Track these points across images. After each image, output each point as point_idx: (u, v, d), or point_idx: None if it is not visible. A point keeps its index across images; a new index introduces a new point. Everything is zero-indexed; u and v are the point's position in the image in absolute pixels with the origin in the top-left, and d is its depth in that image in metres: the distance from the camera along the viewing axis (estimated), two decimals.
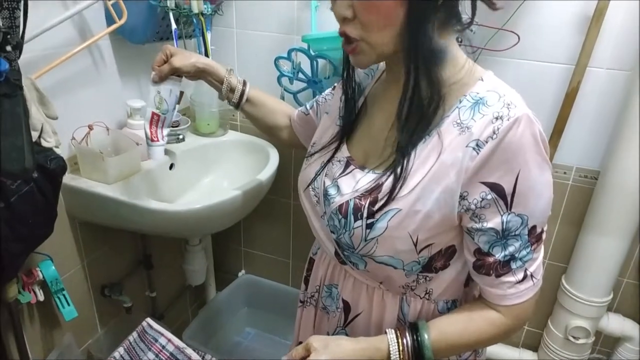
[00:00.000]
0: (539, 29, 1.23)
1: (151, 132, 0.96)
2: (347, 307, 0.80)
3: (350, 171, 0.73)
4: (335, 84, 0.91)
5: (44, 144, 0.94)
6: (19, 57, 0.73)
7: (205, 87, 1.48)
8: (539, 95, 1.30)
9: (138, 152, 1.24)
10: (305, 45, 1.32)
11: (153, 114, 0.94)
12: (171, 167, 1.39)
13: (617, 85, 1.23)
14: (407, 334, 0.68)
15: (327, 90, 0.95)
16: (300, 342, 0.92)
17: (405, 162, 0.64)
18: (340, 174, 0.74)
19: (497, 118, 0.59)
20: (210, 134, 1.54)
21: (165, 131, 0.97)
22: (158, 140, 0.97)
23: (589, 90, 1.26)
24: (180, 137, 1.42)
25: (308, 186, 0.79)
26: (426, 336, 0.67)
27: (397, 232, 0.65)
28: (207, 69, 0.94)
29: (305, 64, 1.36)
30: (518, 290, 0.65)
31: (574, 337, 1.41)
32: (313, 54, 1.32)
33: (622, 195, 1.24)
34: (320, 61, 1.34)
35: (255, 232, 1.87)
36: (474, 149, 0.60)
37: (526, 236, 0.63)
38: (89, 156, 1.16)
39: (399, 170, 0.64)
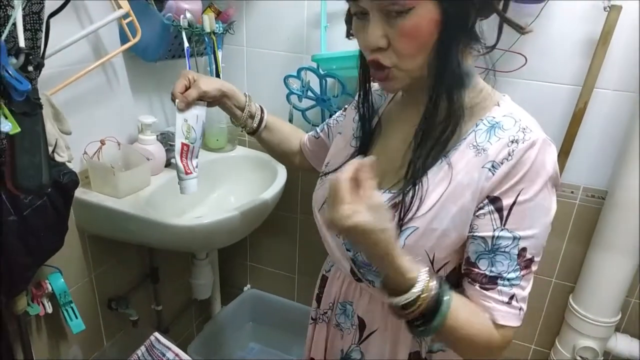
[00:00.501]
0: (546, 51, 1.25)
1: (184, 165, 0.87)
2: (362, 324, 0.80)
3: None
4: (346, 106, 0.92)
5: (58, 158, 0.96)
6: (38, 76, 0.75)
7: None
8: (546, 115, 1.30)
9: (148, 167, 1.26)
10: (314, 65, 1.34)
11: (183, 145, 0.86)
12: None
13: (624, 106, 1.24)
14: (435, 280, 0.60)
15: (338, 113, 0.96)
16: (312, 359, 0.92)
17: (421, 182, 0.65)
18: None
19: (512, 141, 0.61)
20: (218, 149, 1.56)
21: (195, 162, 0.90)
22: (192, 173, 0.89)
23: (596, 110, 1.27)
24: None
25: (322, 205, 0.80)
26: (447, 297, 0.60)
27: (414, 250, 0.65)
28: (231, 93, 0.92)
29: (314, 83, 1.38)
30: (505, 311, 0.64)
31: (581, 358, 1.39)
32: (322, 72, 1.35)
33: (630, 214, 1.24)
34: (329, 80, 1.36)
35: (262, 247, 1.88)
36: (489, 170, 0.62)
37: (515, 256, 0.63)
38: (100, 170, 1.18)
39: (416, 189, 0.65)
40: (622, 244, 1.28)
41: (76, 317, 1.15)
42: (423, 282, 0.58)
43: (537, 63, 1.25)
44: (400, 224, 0.65)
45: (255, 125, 0.97)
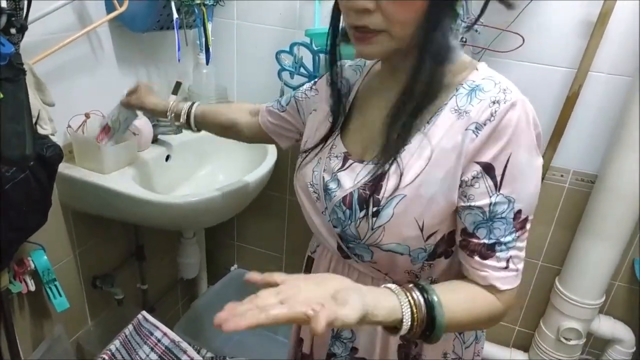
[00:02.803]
0: (543, 32, 1.23)
1: (100, 135, 1.13)
2: None
3: (349, 165, 0.73)
4: (316, 80, 0.89)
5: (41, 131, 0.91)
6: (21, 40, 0.70)
7: (204, 79, 1.48)
8: (540, 97, 1.30)
9: (135, 143, 1.22)
10: (307, 40, 1.31)
11: (107, 126, 1.13)
12: (167, 158, 1.37)
13: (618, 90, 1.24)
14: (415, 292, 0.58)
15: (306, 86, 0.91)
16: (301, 339, 0.91)
17: (402, 150, 0.65)
18: (339, 169, 0.73)
19: (494, 102, 0.61)
20: None
21: (110, 142, 1.14)
22: (101, 142, 1.13)
23: (590, 94, 1.26)
24: (178, 128, 1.40)
25: (305, 183, 0.78)
26: (436, 298, 0.59)
27: (404, 217, 0.65)
28: (150, 107, 1.09)
29: (307, 59, 1.34)
30: (503, 276, 0.65)
31: (565, 339, 1.42)
32: (315, 48, 1.31)
33: (619, 200, 1.25)
34: (323, 56, 1.33)
35: (249, 227, 1.86)
36: (473, 131, 0.62)
37: (511, 219, 0.63)
38: (84, 145, 1.14)
39: (398, 157, 0.65)
40: (609, 229, 1.30)
41: (60, 295, 1.12)
42: (406, 300, 0.57)
43: (533, 45, 1.24)
44: (389, 193, 0.65)
45: (183, 121, 1.04)
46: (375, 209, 0.66)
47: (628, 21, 1.17)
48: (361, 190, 0.68)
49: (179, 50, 1.26)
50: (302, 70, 1.36)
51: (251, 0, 1.46)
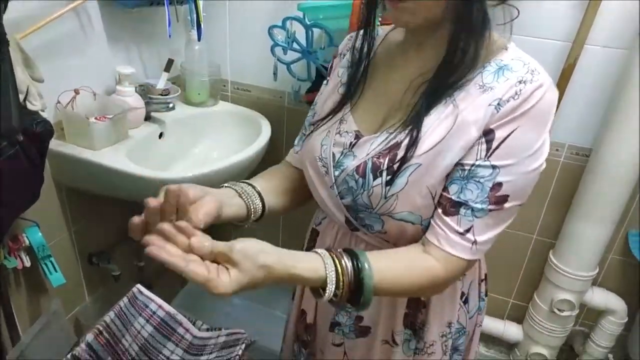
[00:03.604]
0: (538, 5, 1.22)
1: None
2: None
3: (361, 140, 0.71)
4: (325, 81, 0.85)
5: (30, 107, 0.91)
6: (4, 12, 0.69)
7: (196, 56, 1.47)
8: None
9: (125, 119, 1.21)
10: (300, 14, 1.29)
11: None
12: (160, 135, 1.37)
13: (614, 63, 1.23)
14: (344, 257, 0.59)
15: (316, 98, 0.87)
16: (303, 311, 0.92)
17: (422, 121, 0.64)
18: (350, 145, 0.72)
19: (520, 82, 0.61)
20: (200, 104, 1.52)
21: None
22: None
23: (585, 67, 1.25)
24: (170, 105, 1.39)
25: (314, 157, 0.76)
26: (366, 264, 0.59)
27: (417, 186, 0.65)
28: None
29: (300, 34, 1.32)
30: (457, 240, 0.64)
31: (558, 310, 1.44)
32: (309, 23, 1.29)
33: (612, 173, 1.25)
34: (316, 31, 1.31)
35: None
36: (495, 107, 0.61)
37: (488, 188, 0.62)
38: (74, 121, 1.13)
39: (419, 127, 0.64)
40: (603, 202, 1.30)
41: (56, 271, 1.13)
42: (331, 267, 0.58)
43: (528, 17, 1.22)
44: (404, 161, 0.64)
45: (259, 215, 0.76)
46: (389, 177, 0.65)
47: None
48: (375, 159, 0.67)
49: (169, 26, 1.25)
50: (295, 45, 1.35)
51: None
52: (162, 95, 1.39)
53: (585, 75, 1.26)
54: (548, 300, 1.46)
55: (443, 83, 0.64)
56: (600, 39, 1.22)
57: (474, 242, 0.64)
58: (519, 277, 1.59)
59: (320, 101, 0.83)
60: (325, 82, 0.85)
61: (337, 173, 0.72)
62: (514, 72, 0.62)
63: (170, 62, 1.40)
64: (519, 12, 1.28)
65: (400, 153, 0.65)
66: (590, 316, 1.58)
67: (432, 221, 0.67)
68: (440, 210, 0.65)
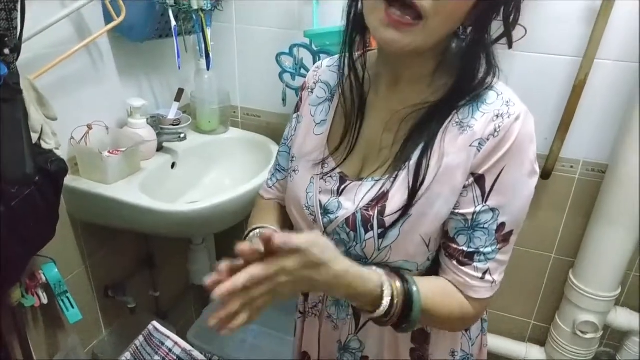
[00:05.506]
0: (547, 21, 1.21)
1: None
2: (357, 313, 0.78)
3: (347, 185, 0.70)
4: (297, 107, 0.82)
5: (44, 145, 0.92)
6: (17, 60, 0.70)
7: (206, 84, 1.48)
8: (546, 88, 1.28)
9: (138, 151, 1.22)
10: (307, 41, 1.30)
11: None
12: (173, 165, 1.38)
13: (625, 77, 1.21)
14: (396, 279, 0.60)
15: (287, 131, 0.84)
16: (305, 353, 0.90)
17: (411, 168, 0.64)
18: (336, 190, 0.71)
19: (497, 116, 0.60)
20: (211, 132, 1.53)
21: None
22: None
23: (597, 82, 1.24)
24: (182, 135, 1.40)
25: (301, 206, 0.74)
26: (415, 287, 0.60)
27: (410, 236, 0.64)
28: None
29: (308, 60, 1.33)
30: (478, 285, 0.65)
31: (581, 332, 1.40)
32: (315, 49, 1.30)
33: (631, 188, 1.23)
34: (323, 56, 1.32)
35: None
36: (477, 148, 0.61)
37: (494, 231, 0.63)
38: (88, 156, 1.14)
39: (411, 181, 0.63)
40: (622, 218, 1.27)
41: (72, 307, 1.13)
42: (389, 286, 0.59)
43: (537, 34, 1.22)
44: (397, 215, 0.64)
45: None
46: (380, 230, 0.65)
47: (632, 6, 1.14)
48: (364, 211, 0.66)
49: (178, 57, 1.26)
50: (302, 71, 1.36)
51: (249, 2, 1.45)
52: (173, 125, 1.40)
53: (597, 91, 1.25)
54: (570, 321, 1.42)
55: (428, 127, 0.63)
56: (611, 53, 1.21)
57: (493, 282, 0.65)
58: (539, 298, 1.56)
59: (297, 143, 0.78)
60: (295, 115, 0.82)
61: (325, 221, 0.71)
62: (488, 104, 0.61)
63: (180, 92, 1.41)
64: (526, 31, 1.28)
65: (389, 205, 0.64)
66: (615, 337, 1.53)
67: (447, 269, 0.67)
68: (454, 262, 0.65)
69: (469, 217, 0.62)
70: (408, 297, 0.59)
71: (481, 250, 0.63)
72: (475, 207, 0.62)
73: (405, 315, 0.59)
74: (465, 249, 0.64)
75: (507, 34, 0.62)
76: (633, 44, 1.18)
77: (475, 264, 0.64)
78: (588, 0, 1.16)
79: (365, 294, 0.58)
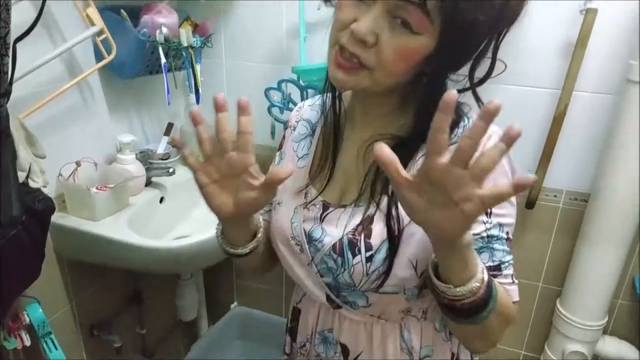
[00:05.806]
0: (525, 54, 1.25)
1: None
2: (345, 350, 0.77)
3: (330, 212, 0.71)
4: (279, 152, 0.84)
5: (32, 184, 0.92)
6: (7, 102, 0.71)
7: None
8: (527, 120, 1.31)
9: (127, 187, 1.22)
10: (294, 76, 1.33)
11: None
12: (161, 200, 1.37)
13: (604, 108, 1.26)
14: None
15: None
16: None
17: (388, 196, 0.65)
18: (320, 217, 0.72)
19: None
20: None
21: None
22: None
23: (576, 113, 1.28)
24: (171, 170, 1.40)
25: (286, 237, 0.75)
26: (493, 284, 0.59)
27: (398, 259, 0.65)
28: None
29: (295, 94, 1.36)
30: (515, 290, 0.67)
31: None
32: (303, 84, 1.33)
33: (614, 215, 1.25)
34: (310, 91, 1.34)
35: None
36: None
37: (505, 240, 0.66)
38: (75, 192, 1.14)
39: (393, 210, 0.64)
40: (606, 246, 1.29)
41: (56, 348, 1.10)
42: (482, 269, 0.56)
43: (516, 67, 1.26)
44: (379, 237, 0.65)
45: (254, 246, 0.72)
46: (368, 253, 0.65)
47: (608, 40, 1.19)
48: (350, 236, 0.67)
49: (168, 93, 1.28)
50: (290, 105, 1.38)
51: (238, 39, 1.48)
52: (162, 159, 1.41)
53: (576, 121, 1.29)
54: (559, 351, 1.42)
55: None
56: (588, 85, 1.25)
57: (518, 284, 0.68)
58: (529, 327, 1.56)
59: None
60: (278, 153, 0.84)
61: (312, 249, 0.71)
62: (459, 127, 0.64)
63: (170, 126, 1.42)
64: (506, 66, 1.32)
65: (375, 229, 0.65)
66: None
67: None
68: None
69: (484, 235, 0.64)
70: (489, 286, 0.57)
71: (503, 260, 0.66)
72: (485, 224, 0.64)
73: (485, 302, 0.57)
74: (491, 264, 0.65)
75: (472, 89, 0.66)
76: (609, 76, 1.23)
77: (504, 272, 0.66)
78: (565, 35, 1.21)
79: (468, 265, 0.55)
